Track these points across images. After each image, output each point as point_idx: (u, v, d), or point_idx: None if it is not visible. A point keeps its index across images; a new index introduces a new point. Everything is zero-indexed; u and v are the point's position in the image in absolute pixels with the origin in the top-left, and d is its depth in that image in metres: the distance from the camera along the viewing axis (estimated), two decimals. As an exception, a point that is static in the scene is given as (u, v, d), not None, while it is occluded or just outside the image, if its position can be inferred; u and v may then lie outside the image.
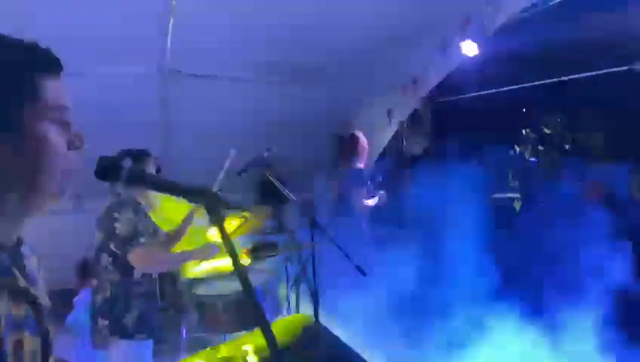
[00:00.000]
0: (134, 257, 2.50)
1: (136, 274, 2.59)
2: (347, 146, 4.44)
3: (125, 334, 2.54)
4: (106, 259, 2.57)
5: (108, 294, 2.56)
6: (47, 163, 0.91)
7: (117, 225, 2.53)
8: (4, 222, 0.91)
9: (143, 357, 2.60)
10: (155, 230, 2.75)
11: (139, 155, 2.68)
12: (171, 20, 3.57)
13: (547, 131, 5.70)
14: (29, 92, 0.89)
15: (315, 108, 4.87)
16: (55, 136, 0.92)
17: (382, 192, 4.44)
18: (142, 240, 2.52)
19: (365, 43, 4.33)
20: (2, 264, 0.87)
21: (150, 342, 2.62)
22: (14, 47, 0.90)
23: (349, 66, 4.60)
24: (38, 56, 0.92)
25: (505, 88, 5.01)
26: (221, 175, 2.82)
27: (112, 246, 2.53)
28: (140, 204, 2.69)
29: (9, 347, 0.84)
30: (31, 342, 0.90)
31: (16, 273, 0.90)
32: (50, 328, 0.97)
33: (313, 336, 1.75)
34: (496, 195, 5.79)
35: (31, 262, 1.00)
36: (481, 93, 5.25)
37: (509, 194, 5.76)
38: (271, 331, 1.06)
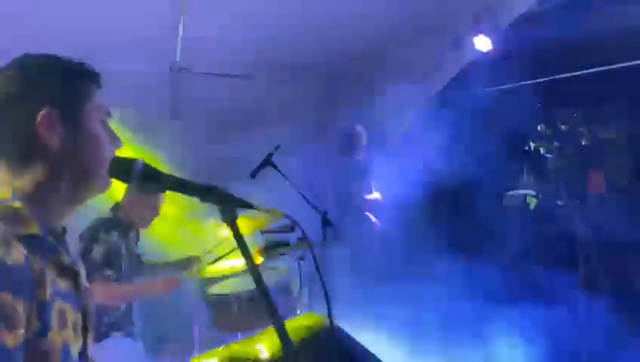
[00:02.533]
0: (92, 288, 2.48)
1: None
2: (347, 141, 4.46)
3: (119, 328, 2.58)
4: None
5: None
6: (99, 156, 1.08)
7: (96, 246, 2.49)
8: (56, 208, 1.05)
9: (136, 348, 2.64)
10: (136, 257, 2.71)
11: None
12: (182, 19, 3.57)
13: (563, 127, 5.61)
14: (87, 96, 1.09)
15: (324, 105, 4.86)
16: (102, 134, 1.10)
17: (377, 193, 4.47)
18: (108, 272, 2.46)
19: (377, 38, 4.29)
20: (50, 241, 1.00)
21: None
22: (71, 62, 1.10)
23: (359, 63, 4.57)
24: (89, 72, 1.12)
25: (519, 83, 4.94)
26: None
27: (84, 262, 2.53)
28: (132, 226, 2.65)
29: (55, 314, 0.94)
30: (73, 315, 1.01)
31: (62, 250, 1.03)
32: (89, 304, 1.09)
33: (327, 335, 1.74)
34: (511, 192, 5.72)
35: (75, 250, 1.20)
36: (495, 88, 5.19)
37: (523, 191, 5.69)
38: (284, 329, 1.05)
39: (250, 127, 4.35)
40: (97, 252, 2.48)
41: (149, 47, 3.74)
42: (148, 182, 1.10)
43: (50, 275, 0.95)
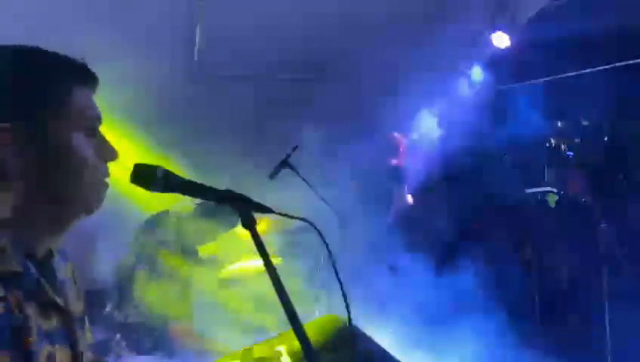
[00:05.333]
0: None
1: None
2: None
3: (142, 351, 2.62)
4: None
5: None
6: (79, 174, 0.91)
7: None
8: (34, 233, 0.90)
9: None
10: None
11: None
12: (198, 24, 3.60)
13: (585, 123, 5.50)
14: (54, 99, 0.90)
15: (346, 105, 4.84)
16: (83, 147, 0.91)
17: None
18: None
19: (395, 36, 4.26)
20: (31, 276, 0.87)
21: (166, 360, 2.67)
22: (45, 58, 0.92)
23: (378, 62, 4.54)
24: (68, 67, 0.94)
25: (541, 79, 4.86)
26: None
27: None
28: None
29: (42, 360, 0.84)
30: (63, 354, 0.90)
31: (45, 285, 0.89)
32: (79, 337, 0.97)
33: (346, 337, 1.74)
34: (531, 190, 5.63)
35: (62, 273, 1.00)
36: (515, 84, 5.11)
37: (544, 189, 5.59)
38: (304, 331, 1.06)
39: (279, 126, 4.36)
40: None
41: (165, 49, 3.78)
42: (168, 188, 1.11)
43: (34, 317, 0.84)
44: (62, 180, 0.90)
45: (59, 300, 0.92)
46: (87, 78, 0.96)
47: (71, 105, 0.91)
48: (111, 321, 2.67)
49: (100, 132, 0.97)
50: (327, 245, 1.20)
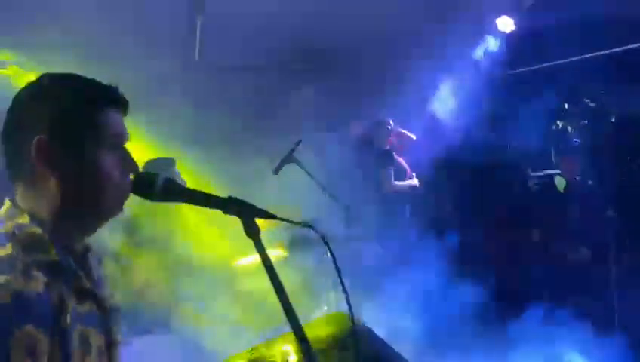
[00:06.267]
0: None
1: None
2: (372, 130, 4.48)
3: (144, 331, 2.66)
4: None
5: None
6: (104, 185, 1.02)
7: None
8: (72, 233, 1.04)
9: (162, 351, 2.68)
10: None
11: (164, 164, 2.73)
12: (199, 16, 3.57)
13: (591, 105, 5.43)
14: (94, 125, 1.02)
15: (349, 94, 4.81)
16: (110, 164, 1.03)
17: (413, 175, 4.45)
18: None
19: (400, 24, 4.21)
20: (70, 267, 0.99)
21: (170, 336, 2.71)
22: (80, 83, 1.05)
23: (381, 51, 4.51)
24: (102, 92, 1.05)
25: (547, 64, 4.80)
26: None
27: None
28: None
29: (75, 338, 0.94)
30: (97, 338, 1.01)
31: (81, 274, 1.01)
32: (114, 327, 1.08)
33: (354, 335, 1.74)
34: (537, 173, 5.58)
35: (99, 270, 1.12)
36: (524, 69, 5.05)
37: (550, 171, 5.54)
38: (301, 329, 1.05)
39: (272, 119, 4.35)
40: None
41: (167, 41, 3.76)
42: (170, 197, 1.10)
43: (71, 301, 0.95)
44: (89, 192, 1.02)
45: (94, 289, 1.04)
46: (117, 102, 1.07)
47: (103, 128, 1.03)
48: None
49: (124, 147, 1.08)
50: (330, 251, 1.18)
